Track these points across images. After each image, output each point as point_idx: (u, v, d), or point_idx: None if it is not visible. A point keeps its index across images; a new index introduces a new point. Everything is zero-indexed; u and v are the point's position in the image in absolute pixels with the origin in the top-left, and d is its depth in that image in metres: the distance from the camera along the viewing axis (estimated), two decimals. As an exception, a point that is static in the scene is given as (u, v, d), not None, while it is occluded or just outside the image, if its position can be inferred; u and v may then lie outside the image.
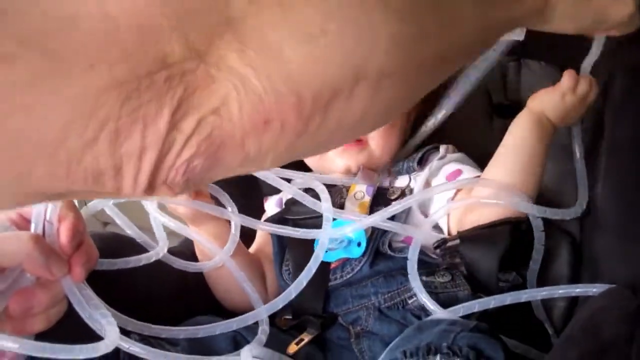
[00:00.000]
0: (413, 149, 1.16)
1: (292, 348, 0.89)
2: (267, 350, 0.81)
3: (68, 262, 0.66)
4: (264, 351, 0.80)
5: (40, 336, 0.64)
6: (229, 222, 1.00)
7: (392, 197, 1.06)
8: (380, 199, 1.07)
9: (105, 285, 0.73)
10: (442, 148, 1.11)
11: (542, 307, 0.98)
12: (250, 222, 0.99)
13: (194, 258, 1.06)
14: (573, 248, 1.05)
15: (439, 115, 1.13)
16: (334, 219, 0.96)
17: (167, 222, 0.97)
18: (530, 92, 1.18)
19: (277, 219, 1.10)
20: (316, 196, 0.98)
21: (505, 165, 0.97)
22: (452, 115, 1.22)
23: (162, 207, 0.99)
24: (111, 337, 0.66)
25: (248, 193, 1.21)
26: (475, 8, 0.47)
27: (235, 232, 0.99)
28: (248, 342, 0.81)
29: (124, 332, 0.75)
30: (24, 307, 0.62)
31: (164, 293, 1.01)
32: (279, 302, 0.88)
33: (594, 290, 0.85)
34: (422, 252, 0.98)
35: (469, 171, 1.05)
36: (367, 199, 1.05)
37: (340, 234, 0.97)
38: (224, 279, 1.04)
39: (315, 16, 0.36)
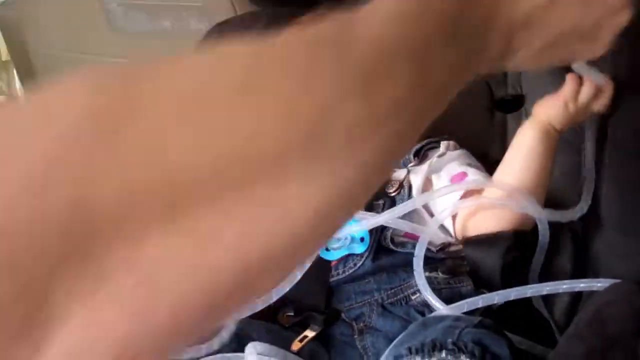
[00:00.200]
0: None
1: (296, 345, 0.89)
2: (272, 347, 0.81)
3: None
4: (268, 348, 0.80)
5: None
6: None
7: (390, 190, 1.06)
8: (378, 192, 1.07)
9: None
10: (443, 145, 1.10)
11: (542, 301, 0.98)
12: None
13: None
14: (576, 243, 1.05)
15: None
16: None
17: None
18: (531, 87, 1.18)
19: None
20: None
21: (513, 174, 0.97)
22: (453, 109, 1.21)
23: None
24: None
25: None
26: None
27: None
28: (252, 339, 0.81)
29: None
30: None
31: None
32: (274, 295, 0.87)
33: (599, 285, 0.85)
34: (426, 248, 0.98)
35: (474, 174, 1.04)
36: None
37: (345, 233, 0.96)
38: None
39: None
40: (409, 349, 0.75)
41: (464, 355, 0.73)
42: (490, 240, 0.95)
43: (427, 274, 0.93)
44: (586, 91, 0.94)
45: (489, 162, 1.13)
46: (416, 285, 0.94)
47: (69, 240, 0.26)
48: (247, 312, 0.85)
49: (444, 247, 0.97)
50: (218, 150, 0.30)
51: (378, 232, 1.00)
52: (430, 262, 0.96)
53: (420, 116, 0.40)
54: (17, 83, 3.63)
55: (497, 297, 0.86)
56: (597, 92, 0.94)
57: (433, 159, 1.08)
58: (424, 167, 1.07)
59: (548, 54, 0.54)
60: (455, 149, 1.11)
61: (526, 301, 0.90)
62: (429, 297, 0.88)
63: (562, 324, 0.98)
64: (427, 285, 0.89)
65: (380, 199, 1.06)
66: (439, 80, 0.40)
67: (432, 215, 1.01)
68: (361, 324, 0.94)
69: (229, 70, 0.33)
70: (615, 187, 0.99)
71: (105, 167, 0.28)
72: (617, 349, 0.68)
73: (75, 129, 0.28)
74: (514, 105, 1.20)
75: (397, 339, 0.81)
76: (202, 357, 0.79)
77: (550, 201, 0.99)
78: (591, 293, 0.87)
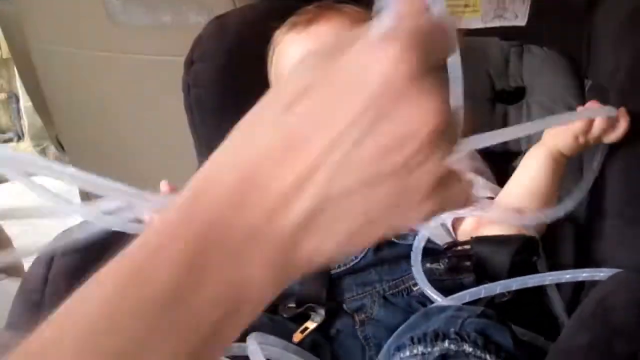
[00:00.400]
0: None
1: (297, 336, 0.88)
2: (273, 338, 0.80)
3: None
4: (270, 339, 0.79)
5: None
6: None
7: None
8: None
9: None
10: None
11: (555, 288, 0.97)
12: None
13: None
14: (577, 233, 1.04)
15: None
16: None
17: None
18: (533, 77, 1.18)
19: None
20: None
21: (518, 197, 0.99)
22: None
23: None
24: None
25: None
26: None
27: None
28: (253, 330, 0.80)
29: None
30: None
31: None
32: None
33: (601, 274, 0.84)
34: (427, 239, 0.98)
35: (478, 185, 1.03)
36: None
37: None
38: None
39: None
40: (412, 339, 0.75)
41: (466, 345, 0.73)
42: (501, 240, 0.94)
43: (428, 265, 0.92)
44: (598, 126, 0.94)
45: (488, 154, 1.13)
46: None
47: None
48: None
49: (450, 246, 0.96)
50: None
51: None
52: (433, 253, 0.96)
53: None
54: (18, 81, 3.63)
55: (499, 287, 0.85)
56: (611, 124, 0.94)
57: None
58: None
59: (361, 236, 0.40)
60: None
61: (529, 294, 0.89)
62: (428, 292, 0.88)
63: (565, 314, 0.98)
64: (426, 281, 0.89)
65: None
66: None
67: None
68: (362, 315, 0.93)
69: None
70: (618, 173, 0.98)
71: None
72: (621, 339, 0.68)
73: None
74: (516, 97, 1.19)
75: (399, 329, 0.80)
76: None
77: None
78: (593, 283, 0.86)
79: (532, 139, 1.13)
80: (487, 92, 1.21)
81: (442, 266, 0.94)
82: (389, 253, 0.97)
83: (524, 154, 1.14)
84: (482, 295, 0.85)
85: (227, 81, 1.25)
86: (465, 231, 0.99)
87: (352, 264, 0.97)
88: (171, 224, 0.37)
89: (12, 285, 1.55)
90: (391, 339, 0.80)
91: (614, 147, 0.96)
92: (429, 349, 0.73)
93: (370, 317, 0.93)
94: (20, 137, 4.02)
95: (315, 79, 0.38)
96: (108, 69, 1.78)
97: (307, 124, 0.37)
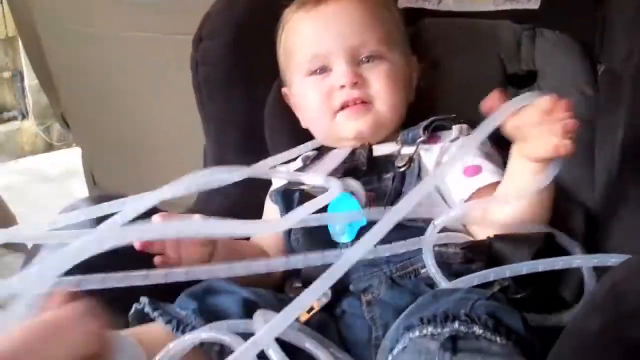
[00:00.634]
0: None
1: (304, 316, 0.88)
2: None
3: None
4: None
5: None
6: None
7: (400, 165, 1.05)
8: (388, 166, 1.06)
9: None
10: (456, 129, 1.08)
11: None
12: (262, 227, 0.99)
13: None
14: (587, 219, 1.03)
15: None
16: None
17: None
18: (545, 62, 1.16)
19: (283, 191, 1.10)
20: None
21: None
22: (465, 84, 1.20)
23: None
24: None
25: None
26: None
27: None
28: (260, 308, 0.80)
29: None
30: None
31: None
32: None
33: (613, 260, 0.83)
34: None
35: (488, 171, 1.01)
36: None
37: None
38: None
39: None
40: (421, 320, 0.74)
41: (477, 327, 0.72)
42: (522, 239, 0.91)
43: (437, 248, 0.92)
44: (527, 119, 0.87)
45: (499, 140, 1.12)
46: (425, 260, 0.93)
47: None
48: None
49: (468, 246, 0.94)
50: None
51: (389, 205, 0.99)
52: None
53: None
54: (23, 59, 3.62)
55: (508, 272, 0.84)
56: (547, 114, 0.86)
57: (445, 143, 1.06)
58: (436, 149, 1.06)
59: None
60: (469, 133, 1.09)
61: (539, 280, 0.88)
62: (438, 279, 0.87)
63: (573, 301, 0.97)
64: (437, 268, 0.88)
65: (390, 172, 1.05)
66: None
67: (443, 197, 1.00)
68: (369, 296, 0.93)
69: None
70: (630, 160, 0.97)
71: None
72: (634, 324, 0.67)
73: None
74: (527, 81, 1.18)
75: (407, 310, 0.79)
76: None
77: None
78: (604, 270, 0.85)
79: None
80: (498, 76, 1.19)
81: (451, 249, 0.93)
82: (397, 235, 0.96)
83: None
84: (491, 279, 0.84)
85: (236, 58, 1.24)
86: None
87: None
88: None
89: (15, 262, 1.54)
90: (400, 319, 0.79)
91: (627, 132, 0.95)
92: (439, 330, 0.72)
93: (377, 298, 0.92)
94: (24, 116, 4.02)
95: None
96: (115, 47, 1.77)
97: None
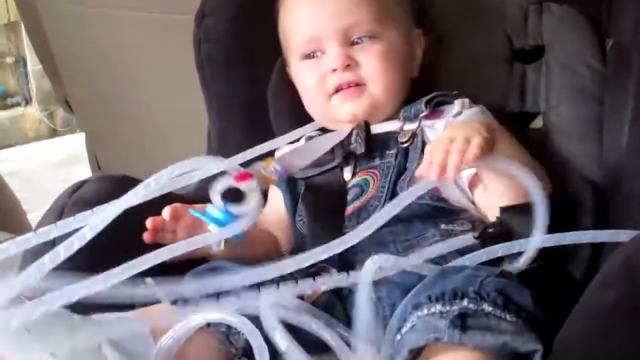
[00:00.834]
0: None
1: (311, 296, 0.87)
2: (287, 296, 0.79)
3: None
4: (284, 297, 0.78)
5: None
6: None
7: (403, 140, 1.05)
8: (391, 143, 1.06)
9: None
10: (458, 103, 1.07)
11: None
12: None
13: None
14: (596, 196, 1.02)
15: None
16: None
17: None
18: (552, 36, 1.14)
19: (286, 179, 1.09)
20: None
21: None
22: (471, 59, 1.19)
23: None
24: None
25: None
26: None
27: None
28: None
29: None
30: None
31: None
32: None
33: (623, 236, 0.82)
34: (443, 199, 0.97)
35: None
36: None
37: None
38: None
39: None
40: (429, 297, 0.73)
41: (486, 304, 0.71)
42: (530, 209, 0.90)
43: (443, 226, 0.93)
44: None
45: (504, 115, 1.11)
46: (432, 237, 0.92)
47: None
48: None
49: (482, 234, 0.93)
50: None
51: (392, 182, 1.00)
52: (447, 213, 0.96)
53: None
54: (26, 44, 3.61)
55: (516, 247, 0.83)
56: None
57: (449, 118, 1.05)
58: (439, 125, 1.04)
59: None
60: (471, 106, 1.07)
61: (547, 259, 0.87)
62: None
63: (582, 278, 0.96)
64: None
65: (393, 148, 1.04)
66: None
67: None
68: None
69: None
70: (638, 138, 0.96)
71: None
72: (647, 298, 0.66)
73: None
74: (534, 56, 1.16)
75: (415, 289, 0.79)
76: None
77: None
78: (613, 246, 0.84)
79: (550, 101, 1.11)
80: (505, 51, 1.17)
81: (457, 227, 0.93)
82: (404, 212, 0.95)
83: (542, 115, 1.12)
84: (499, 254, 0.84)
85: (238, 34, 1.23)
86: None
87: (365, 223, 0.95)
88: None
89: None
90: (407, 297, 0.78)
91: (637, 105, 0.94)
92: (448, 308, 0.72)
93: (383, 277, 0.91)
94: (27, 101, 4.02)
95: None
96: (119, 28, 1.76)
97: None
